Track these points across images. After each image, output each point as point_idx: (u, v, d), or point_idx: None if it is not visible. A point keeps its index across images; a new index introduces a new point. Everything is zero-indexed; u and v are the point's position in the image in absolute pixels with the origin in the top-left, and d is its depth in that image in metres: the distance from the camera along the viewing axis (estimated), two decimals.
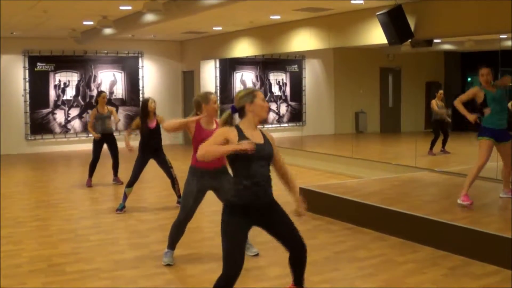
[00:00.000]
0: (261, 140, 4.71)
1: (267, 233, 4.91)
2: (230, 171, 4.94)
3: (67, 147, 18.82)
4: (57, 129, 18.83)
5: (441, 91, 15.19)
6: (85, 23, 14.54)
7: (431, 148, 14.67)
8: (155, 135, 9.89)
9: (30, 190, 12.80)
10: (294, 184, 5.04)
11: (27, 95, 18.39)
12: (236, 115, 4.83)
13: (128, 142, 10.09)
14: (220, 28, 16.40)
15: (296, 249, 4.85)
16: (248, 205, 4.64)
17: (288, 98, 20.47)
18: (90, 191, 11.84)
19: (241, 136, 4.63)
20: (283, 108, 20.33)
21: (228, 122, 4.78)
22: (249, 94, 4.76)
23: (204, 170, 6.58)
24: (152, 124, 9.86)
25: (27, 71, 18.36)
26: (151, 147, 9.86)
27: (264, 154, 4.68)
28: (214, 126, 6.70)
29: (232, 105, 4.82)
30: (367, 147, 18.28)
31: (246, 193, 4.61)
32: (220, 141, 4.59)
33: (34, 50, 18.38)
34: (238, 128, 4.69)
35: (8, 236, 8.35)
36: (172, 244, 6.85)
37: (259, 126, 4.83)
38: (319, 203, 9.25)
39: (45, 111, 18.65)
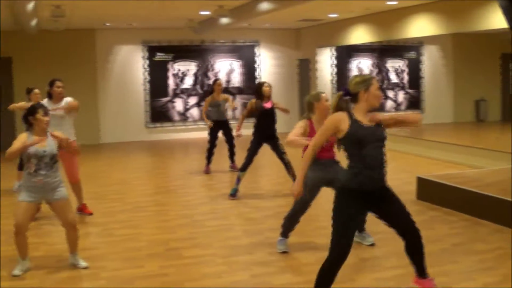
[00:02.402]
0: (372, 124, 4.69)
1: (383, 223, 4.85)
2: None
3: (185, 135, 19.20)
4: (176, 117, 19.24)
5: None
6: (201, 13, 14.74)
7: None
8: (270, 117, 9.88)
9: (149, 176, 13.16)
10: None
11: (147, 84, 18.88)
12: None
13: (240, 127, 10.14)
14: (336, 15, 16.26)
15: (411, 236, 4.79)
16: (362, 189, 4.60)
17: (406, 85, 20.12)
18: (208, 177, 12.04)
19: (354, 123, 4.61)
20: (401, 96, 20.00)
21: (340, 105, 4.75)
22: (365, 81, 4.70)
23: (318, 161, 6.52)
24: (268, 105, 9.87)
25: (146, 61, 18.85)
26: (265, 130, 9.89)
27: (376, 137, 4.65)
28: None
29: (344, 87, 4.77)
30: (488, 136, 17.75)
31: (359, 176, 4.59)
32: (329, 134, 4.63)
33: (153, 40, 18.84)
34: (350, 115, 4.66)
35: (128, 220, 8.63)
36: (285, 233, 6.85)
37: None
38: (436, 193, 9.05)
39: (164, 99, 19.09)
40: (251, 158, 9.90)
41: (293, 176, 9.86)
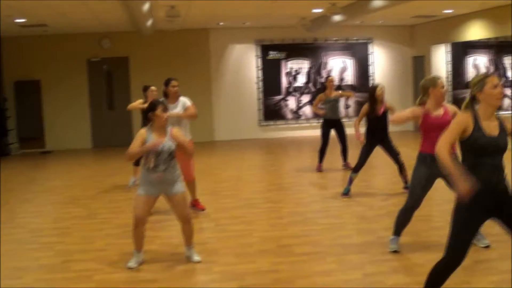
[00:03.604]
0: (495, 132, 4.49)
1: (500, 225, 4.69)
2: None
3: (298, 133, 19.24)
4: (289, 115, 19.33)
5: None
6: (314, 10, 14.74)
7: None
8: (382, 123, 9.77)
9: (262, 173, 13.28)
10: None
11: (260, 83, 19.06)
12: None
13: (358, 131, 10.02)
14: (451, 11, 15.89)
15: None
16: (481, 193, 4.43)
17: None
18: (320, 175, 12.03)
19: (476, 126, 4.46)
20: None
21: (469, 107, 4.59)
22: (480, 81, 4.51)
23: (433, 156, 6.39)
24: (380, 111, 9.76)
25: (259, 60, 19.03)
26: (377, 134, 9.78)
27: (497, 147, 4.47)
28: (442, 111, 6.48)
29: None
30: None
31: (476, 183, 4.41)
32: (459, 132, 4.46)
33: (266, 39, 18.99)
34: (475, 116, 4.51)
35: (241, 216, 8.75)
36: (397, 231, 6.76)
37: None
38: None
39: (277, 97, 19.21)
40: (364, 160, 9.81)
41: (405, 177, 9.73)
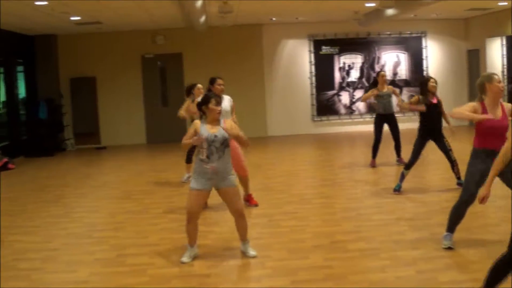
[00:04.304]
0: None
1: None
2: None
3: (351, 128, 19.16)
4: (342, 110, 19.25)
5: None
6: (367, 4, 14.64)
7: None
8: (435, 113, 9.62)
9: (315, 168, 13.25)
10: None
11: (313, 78, 19.02)
12: None
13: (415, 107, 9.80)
14: (506, 3, 15.58)
15: None
16: None
17: None
18: (374, 171, 11.95)
19: None
20: None
21: None
22: None
23: (488, 151, 6.30)
24: (433, 100, 9.62)
25: (312, 55, 19.00)
26: (430, 126, 9.64)
27: None
28: (500, 113, 6.36)
29: None
30: None
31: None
32: None
33: (319, 34, 18.94)
34: None
35: (294, 212, 8.75)
36: (451, 227, 6.67)
37: None
38: None
39: (330, 93, 19.15)
40: (417, 156, 9.69)
41: (457, 173, 9.62)
